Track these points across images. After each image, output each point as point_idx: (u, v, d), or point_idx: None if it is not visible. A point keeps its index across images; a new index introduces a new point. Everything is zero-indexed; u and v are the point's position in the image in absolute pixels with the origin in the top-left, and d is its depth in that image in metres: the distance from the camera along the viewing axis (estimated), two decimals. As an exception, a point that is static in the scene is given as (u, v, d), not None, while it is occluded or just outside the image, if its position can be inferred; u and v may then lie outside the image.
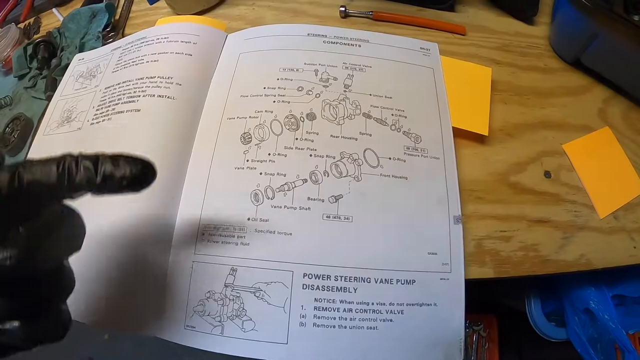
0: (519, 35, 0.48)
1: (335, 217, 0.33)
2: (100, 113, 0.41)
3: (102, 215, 0.34)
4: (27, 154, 0.48)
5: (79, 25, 0.52)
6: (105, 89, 0.42)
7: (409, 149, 0.36)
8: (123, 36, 0.51)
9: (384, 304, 0.32)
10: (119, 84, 0.42)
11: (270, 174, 0.35)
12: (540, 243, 0.37)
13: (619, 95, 0.45)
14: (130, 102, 0.39)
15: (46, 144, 0.43)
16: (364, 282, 0.32)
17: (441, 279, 0.33)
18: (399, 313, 0.32)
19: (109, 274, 0.32)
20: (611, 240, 0.38)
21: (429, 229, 0.34)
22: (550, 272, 0.36)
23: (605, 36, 0.41)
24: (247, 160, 0.35)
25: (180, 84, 0.39)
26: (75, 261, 0.21)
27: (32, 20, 0.61)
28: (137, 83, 0.40)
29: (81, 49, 0.51)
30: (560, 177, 0.40)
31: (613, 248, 0.38)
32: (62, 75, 0.49)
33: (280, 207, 0.34)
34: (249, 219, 0.33)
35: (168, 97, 0.39)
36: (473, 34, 0.47)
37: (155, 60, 0.41)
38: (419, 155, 0.36)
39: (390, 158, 0.36)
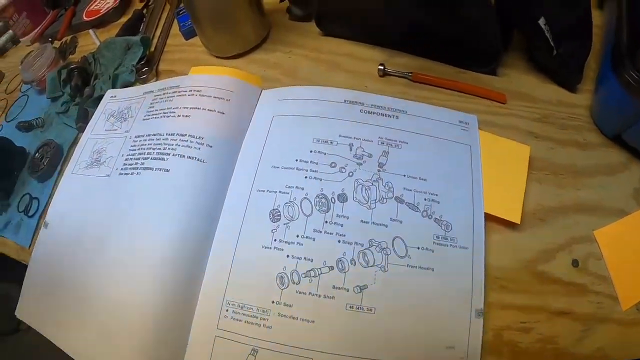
0: (560, 105, 0.46)
1: (358, 308, 0.33)
2: (129, 165, 0.41)
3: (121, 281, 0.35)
4: (55, 182, 0.49)
5: (114, 54, 0.52)
6: (136, 137, 0.42)
7: (438, 238, 0.36)
8: (157, 72, 0.51)
9: (400, 396, 0.33)
10: (149, 135, 0.42)
11: (298, 258, 0.34)
12: (559, 335, 0.37)
13: (656, 172, 0.43)
14: (159, 159, 0.39)
15: (75, 184, 0.44)
16: (382, 374, 0.33)
17: (457, 373, 0.33)
18: (413, 406, 0.33)
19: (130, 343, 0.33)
20: (631, 332, 0.38)
21: (450, 323, 0.34)
22: (565, 365, 0.36)
23: (652, 118, 0.39)
24: (275, 240, 0.35)
25: (211, 146, 0.39)
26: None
27: (68, 38, 0.60)
28: (167, 139, 0.40)
29: (114, 80, 0.51)
30: (587, 267, 0.39)
31: (632, 340, 0.37)
32: (94, 107, 0.49)
33: (305, 293, 0.34)
34: (273, 302, 0.34)
35: (198, 160, 0.38)
36: (513, 103, 0.45)
37: (187, 116, 0.41)
38: (448, 245, 0.36)
39: (418, 248, 0.35)
